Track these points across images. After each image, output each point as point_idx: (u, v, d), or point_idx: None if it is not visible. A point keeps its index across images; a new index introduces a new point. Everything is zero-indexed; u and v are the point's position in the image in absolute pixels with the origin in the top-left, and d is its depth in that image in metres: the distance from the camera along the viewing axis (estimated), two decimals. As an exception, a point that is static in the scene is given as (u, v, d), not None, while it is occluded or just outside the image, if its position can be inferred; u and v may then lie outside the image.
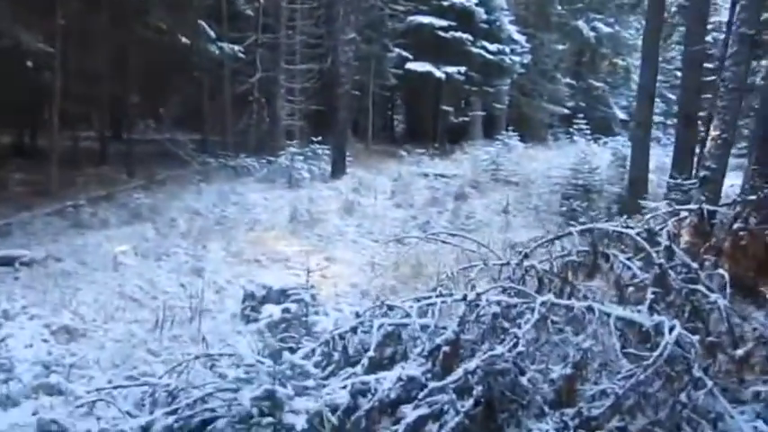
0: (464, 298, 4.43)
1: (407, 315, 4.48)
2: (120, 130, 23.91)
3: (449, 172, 16.89)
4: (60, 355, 4.95)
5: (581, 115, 30.09)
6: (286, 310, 4.75)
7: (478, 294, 4.23)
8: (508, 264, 5.49)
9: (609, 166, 16.64)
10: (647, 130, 11.85)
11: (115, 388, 3.92)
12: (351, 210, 11.84)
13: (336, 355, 4.28)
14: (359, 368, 3.97)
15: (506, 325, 4.17)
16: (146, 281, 7.64)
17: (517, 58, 23.88)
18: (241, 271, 8.34)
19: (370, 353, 4.03)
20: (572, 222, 12.38)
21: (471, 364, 3.80)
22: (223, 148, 16.02)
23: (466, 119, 24.37)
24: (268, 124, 16.62)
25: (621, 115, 33.46)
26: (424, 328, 4.33)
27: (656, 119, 36.80)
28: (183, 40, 12.89)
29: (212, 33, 13.53)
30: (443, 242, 8.90)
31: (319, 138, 16.59)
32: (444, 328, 4.29)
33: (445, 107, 23.60)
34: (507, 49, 23.39)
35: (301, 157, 14.33)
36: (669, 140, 23.56)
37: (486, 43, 22.99)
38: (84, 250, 8.88)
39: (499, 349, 3.84)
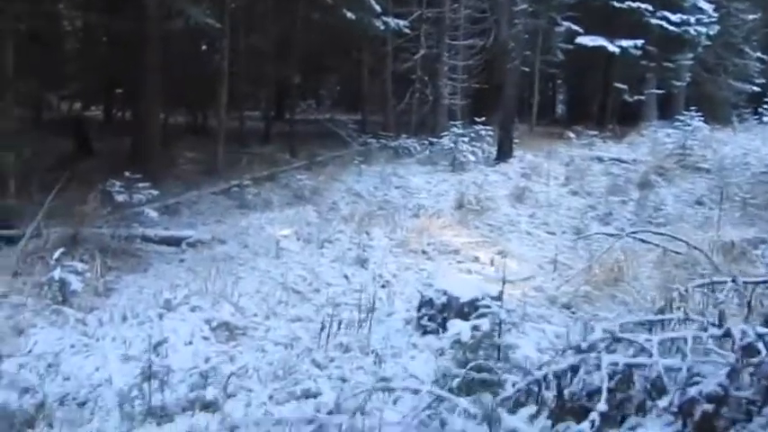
0: (726, 334, 3.23)
1: (642, 350, 3.37)
2: (283, 111, 24.31)
3: (626, 156, 15.13)
4: (219, 360, 4.35)
5: (774, 93, 26.52)
6: (476, 328, 3.79)
7: (761, 335, 3.00)
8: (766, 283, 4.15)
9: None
10: None
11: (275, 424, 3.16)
12: (522, 197, 10.67)
13: (550, 400, 3.27)
14: (585, 425, 2.93)
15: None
16: (308, 270, 7.04)
17: (703, 29, 21.09)
18: (407, 263, 7.52)
19: (602, 405, 2.97)
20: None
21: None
22: (383, 129, 15.38)
23: (641, 98, 22.00)
24: (430, 104, 15.74)
25: (823, 93, 29.06)
26: (669, 371, 3.20)
27: None
28: (349, 14, 12.27)
29: (378, 8, 12.81)
30: (641, 240, 7.55)
31: (482, 118, 15.50)
32: (698, 374, 3.14)
33: (618, 85, 21.42)
34: (692, 19, 20.70)
35: (465, 139, 13.29)
36: None
37: (667, 13, 20.49)
38: (247, 232, 8.51)
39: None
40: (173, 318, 5.18)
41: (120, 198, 7.14)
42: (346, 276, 7.01)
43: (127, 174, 7.31)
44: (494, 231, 9.14)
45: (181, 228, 9.07)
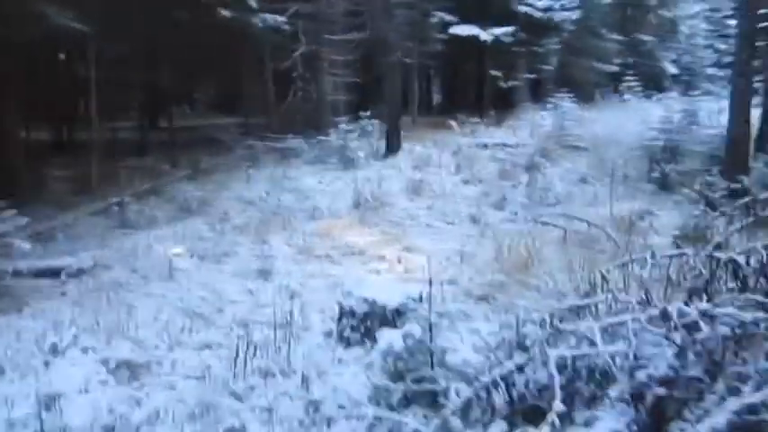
0: (664, 314, 3.19)
1: (587, 340, 3.26)
2: (158, 119, 23.01)
3: (509, 141, 15.51)
4: (124, 407, 3.83)
5: (630, 72, 28.32)
6: (407, 335, 3.54)
7: (703, 312, 2.95)
8: (683, 255, 4.19)
9: (678, 123, 15.13)
10: (748, 81, 10.28)
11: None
12: (418, 189, 10.59)
13: (500, 405, 3.08)
14: (545, 428, 2.76)
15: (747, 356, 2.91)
16: (208, 289, 6.53)
17: (567, 14, 22.13)
18: (313, 270, 7.18)
19: (558, 404, 2.81)
20: (668, 190, 11.10)
21: (717, 419, 2.61)
22: (267, 130, 14.83)
23: (516, 83, 22.73)
24: (315, 101, 15.35)
25: (672, 70, 31.46)
26: (615, 358, 3.12)
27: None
28: (224, 12, 11.62)
29: (254, 4, 12.22)
30: (543, 223, 7.64)
31: (367, 112, 15.35)
32: (644, 358, 3.07)
33: (493, 72, 22.00)
34: (556, 6, 21.65)
35: (354, 135, 13.04)
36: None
37: (532, 0, 21.30)
38: (134, 254, 7.81)
39: (755, 396, 2.63)
40: (62, 364, 4.55)
41: (-19, 232, 6.27)
42: (250, 291, 6.57)
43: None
44: (395, 227, 8.98)
45: (58, 256, 8.21)
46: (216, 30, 14.38)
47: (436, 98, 34.24)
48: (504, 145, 14.71)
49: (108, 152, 15.52)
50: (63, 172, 13.48)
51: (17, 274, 6.96)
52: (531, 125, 17.80)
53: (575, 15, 22.82)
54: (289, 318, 5.36)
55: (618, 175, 11.02)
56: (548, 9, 21.38)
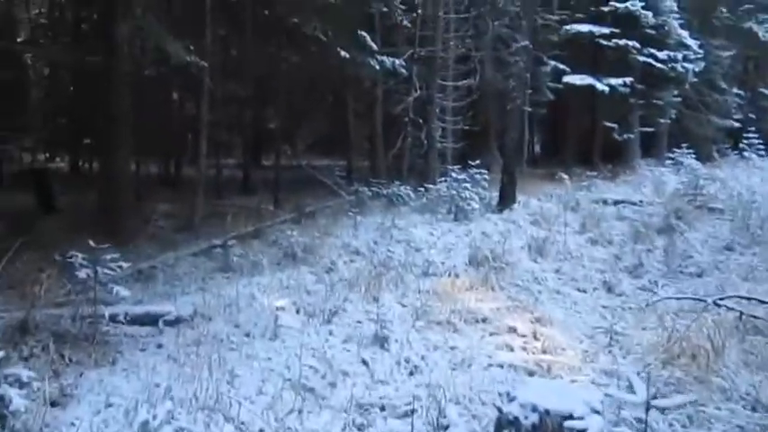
0: None
1: None
2: (260, 157, 22.99)
3: (631, 198, 14.09)
4: None
5: (752, 128, 26.14)
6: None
7: None
8: None
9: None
10: None
11: None
12: (541, 249, 9.41)
13: None
14: None
15: None
16: (318, 356, 5.62)
17: (690, 66, 20.55)
18: (434, 340, 6.15)
19: None
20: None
21: None
22: (374, 175, 14.12)
23: (630, 135, 21.23)
24: (424, 147, 14.56)
25: (799, 127, 28.83)
26: None
27: None
28: (342, 53, 11.06)
29: (374, 45, 11.65)
30: (714, 302, 6.32)
31: (476, 161, 14.38)
32: None
33: (607, 123, 20.61)
34: (679, 56, 20.14)
35: (464, 184, 12.05)
36: None
37: (653, 50, 19.90)
38: (236, 304, 7.04)
39: None
40: (152, 449, 3.72)
41: (82, 274, 5.66)
42: (365, 362, 5.62)
43: (91, 243, 5.81)
44: (521, 292, 7.84)
45: (156, 299, 7.64)
46: (327, 72, 14.00)
47: (536, 149, 32.98)
48: (626, 202, 13.31)
49: (212, 189, 15.32)
50: (168, 207, 13.25)
51: (114, 319, 6.33)
52: (654, 182, 16.32)
53: (698, 67, 21.19)
54: (416, 405, 4.38)
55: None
56: (670, 60, 19.87)
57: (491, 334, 6.44)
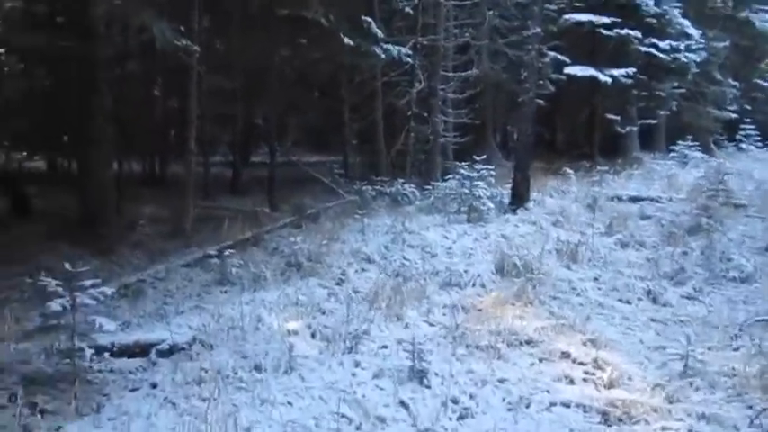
0: None
1: None
2: (249, 154, 21.79)
3: (645, 194, 13.21)
4: None
5: (748, 120, 25.50)
6: None
7: None
8: None
9: None
10: None
11: None
12: (572, 254, 8.45)
13: None
14: None
15: None
16: (347, 398, 4.61)
17: (692, 56, 19.69)
18: (480, 371, 5.15)
19: None
20: None
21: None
22: (374, 172, 13.07)
23: (633, 128, 20.39)
24: (431, 143, 13.51)
25: (794, 119, 28.25)
26: None
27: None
28: (347, 40, 9.96)
29: (380, 33, 10.55)
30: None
31: (477, 156, 13.38)
32: None
33: (610, 116, 19.72)
34: (681, 46, 19.27)
35: (480, 182, 11.03)
36: None
37: (655, 40, 19.01)
38: (239, 327, 5.98)
39: None
40: None
41: (56, 306, 4.55)
42: (404, 404, 4.61)
43: (68, 266, 4.70)
44: (561, 306, 6.87)
45: (146, 321, 6.58)
46: (321, 62, 12.91)
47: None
48: (648, 199, 12.41)
49: (200, 189, 14.19)
50: (154, 210, 12.11)
51: (99, 351, 5.24)
52: (663, 176, 15.48)
53: (699, 58, 20.35)
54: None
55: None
56: (673, 50, 19.00)
57: (541, 360, 5.46)
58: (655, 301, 7.31)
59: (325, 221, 10.55)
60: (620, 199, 12.69)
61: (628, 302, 7.22)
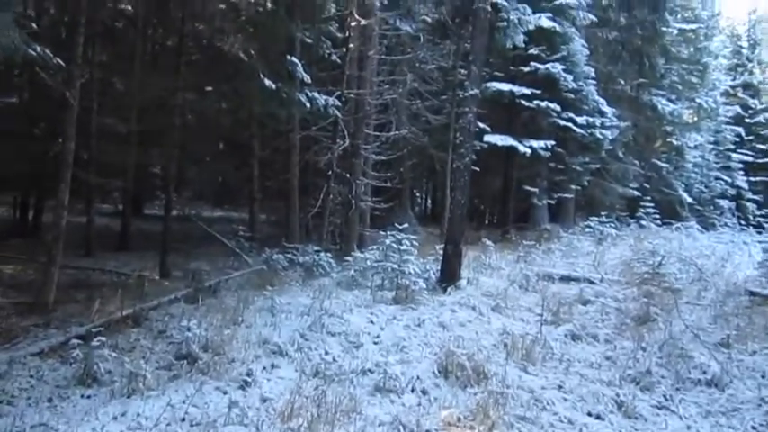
0: None
1: None
2: (141, 205, 19.47)
3: (577, 273, 12.30)
4: None
5: (647, 197, 26.10)
6: None
7: None
8: None
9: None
10: None
11: None
12: (528, 352, 7.08)
13: None
14: None
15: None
16: None
17: (607, 133, 19.69)
18: None
19: None
20: None
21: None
22: (285, 238, 11.38)
23: (551, 201, 19.95)
24: (350, 207, 12.00)
25: (688, 198, 29.38)
26: None
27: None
28: (267, 83, 8.37)
29: (306, 77, 9.06)
30: None
31: (393, 223, 12.02)
32: None
33: (528, 188, 19.18)
34: (597, 122, 19.22)
35: (411, 257, 9.61)
36: None
37: (572, 115, 18.86)
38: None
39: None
40: None
41: None
42: None
43: None
44: (523, 426, 5.43)
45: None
46: (229, 111, 11.29)
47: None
48: (581, 280, 11.47)
49: (79, 244, 11.93)
50: (12, 271, 9.80)
51: None
52: (586, 253, 14.80)
53: (612, 135, 20.44)
54: None
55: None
56: (589, 125, 18.89)
57: None
58: (627, 414, 6.03)
59: (226, 296, 8.68)
60: (551, 278, 11.68)
61: (599, 417, 5.88)
